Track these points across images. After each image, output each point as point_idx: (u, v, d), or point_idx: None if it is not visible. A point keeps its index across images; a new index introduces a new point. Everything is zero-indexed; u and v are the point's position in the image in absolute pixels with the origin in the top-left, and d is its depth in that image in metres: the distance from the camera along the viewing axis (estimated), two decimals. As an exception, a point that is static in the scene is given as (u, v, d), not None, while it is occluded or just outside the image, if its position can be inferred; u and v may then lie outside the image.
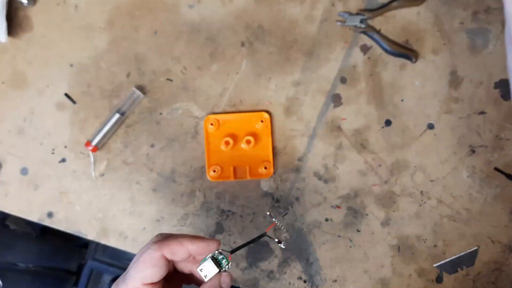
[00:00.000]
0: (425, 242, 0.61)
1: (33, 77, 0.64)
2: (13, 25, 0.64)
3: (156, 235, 0.40)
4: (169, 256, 0.38)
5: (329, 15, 0.63)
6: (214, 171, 0.60)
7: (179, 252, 0.38)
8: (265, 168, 0.61)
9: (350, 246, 0.62)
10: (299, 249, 0.62)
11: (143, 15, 0.64)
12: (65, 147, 0.64)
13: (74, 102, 0.64)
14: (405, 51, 0.61)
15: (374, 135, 0.62)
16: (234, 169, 0.61)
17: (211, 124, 0.60)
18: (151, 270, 0.37)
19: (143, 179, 0.63)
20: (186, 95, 0.63)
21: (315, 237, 0.62)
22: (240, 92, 0.63)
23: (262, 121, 0.61)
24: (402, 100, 0.62)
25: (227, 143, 0.60)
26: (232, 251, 0.39)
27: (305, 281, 0.62)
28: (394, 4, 0.61)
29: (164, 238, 0.39)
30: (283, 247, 0.43)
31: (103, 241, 0.63)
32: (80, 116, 0.64)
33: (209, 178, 0.61)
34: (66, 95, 0.64)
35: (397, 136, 0.62)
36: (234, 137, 0.61)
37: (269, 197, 0.62)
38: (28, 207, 0.63)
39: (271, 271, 0.62)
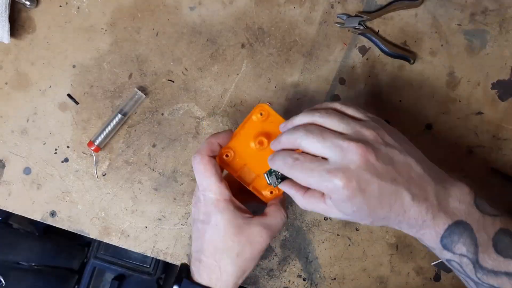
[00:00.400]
0: (423, 241, 0.62)
1: (36, 78, 0.65)
2: (16, 26, 0.65)
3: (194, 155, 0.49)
4: (211, 154, 0.48)
5: (328, 17, 0.63)
6: (227, 155, 0.50)
7: (215, 148, 0.49)
8: (271, 193, 0.51)
9: (349, 245, 0.63)
10: (299, 248, 0.63)
11: (145, 16, 0.64)
12: (68, 147, 0.64)
13: (76, 102, 0.65)
14: (403, 53, 0.62)
15: (373, 135, 0.63)
16: (243, 167, 0.51)
17: (261, 114, 0.50)
18: (212, 170, 0.47)
19: (145, 178, 0.64)
20: (187, 95, 0.64)
21: (314, 236, 0.63)
22: (240, 92, 0.64)
23: None
24: (400, 101, 0.63)
25: (261, 143, 0.50)
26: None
27: (304, 279, 0.63)
28: (392, 6, 0.62)
29: (199, 148, 0.49)
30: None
31: (105, 240, 0.64)
32: (82, 117, 0.64)
33: (216, 159, 0.50)
34: (69, 95, 0.64)
35: (395, 136, 0.63)
36: (268, 138, 0.50)
37: (269, 196, 0.63)
38: (31, 206, 0.64)
39: (271, 269, 0.63)
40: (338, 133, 0.42)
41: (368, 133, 0.42)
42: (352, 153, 0.40)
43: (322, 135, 0.42)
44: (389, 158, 0.41)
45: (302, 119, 0.45)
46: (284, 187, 0.48)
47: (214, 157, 0.48)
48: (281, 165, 0.45)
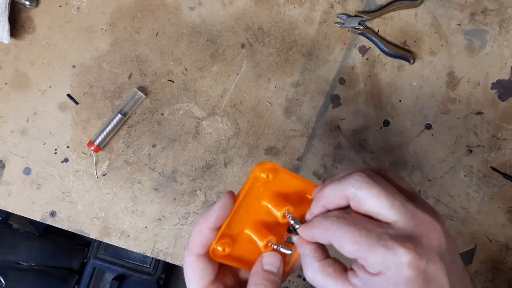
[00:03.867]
0: (423, 240, 0.62)
1: (36, 78, 0.65)
2: (16, 26, 0.65)
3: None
4: (201, 251, 0.34)
5: (328, 17, 0.63)
6: (224, 249, 0.35)
7: (206, 239, 0.34)
8: None
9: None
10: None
11: (145, 17, 0.64)
12: (68, 147, 0.64)
13: (76, 102, 0.65)
14: (403, 52, 0.62)
15: (373, 135, 0.63)
16: (248, 249, 0.36)
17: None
18: (198, 275, 0.34)
19: (145, 178, 0.64)
20: (187, 95, 0.64)
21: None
22: (240, 92, 0.64)
23: None
24: (400, 101, 0.63)
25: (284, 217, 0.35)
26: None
27: (304, 279, 0.63)
28: (392, 6, 0.62)
29: (189, 240, 0.35)
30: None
31: (105, 240, 0.64)
32: (82, 117, 0.64)
33: (210, 253, 0.35)
34: (69, 95, 0.64)
35: (395, 136, 0.63)
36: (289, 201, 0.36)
37: (269, 196, 0.63)
38: (31, 207, 0.64)
39: (271, 269, 0.63)
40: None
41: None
42: (426, 226, 0.30)
43: (391, 189, 0.31)
44: (455, 250, 0.32)
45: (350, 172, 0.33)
46: (302, 242, 0.34)
47: (208, 250, 0.34)
48: (318, 220, 0.32)
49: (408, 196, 0.32)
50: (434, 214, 0.31)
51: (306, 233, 0.33)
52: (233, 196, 0.34)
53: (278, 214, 0.35)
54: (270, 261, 0.34)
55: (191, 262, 0.34)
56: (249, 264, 0.36)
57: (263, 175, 0.34)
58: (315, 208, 0.34)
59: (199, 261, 0.34)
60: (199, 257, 0.34)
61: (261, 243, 0.35)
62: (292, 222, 0.34)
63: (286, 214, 0.34)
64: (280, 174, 0.35)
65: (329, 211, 0.33)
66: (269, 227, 0.36)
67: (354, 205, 0.31)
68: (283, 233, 0.37)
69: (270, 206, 0.35)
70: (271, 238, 0.35)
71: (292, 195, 0.36)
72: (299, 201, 0.36)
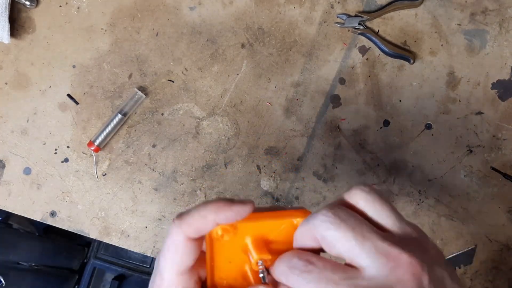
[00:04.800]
0: (423, 240, 0.62)
1: (36, 78, 0.65)
2: (16, 26, 0.65)
3: (178, 214, 0.31)
4: (195, 235, 0.30)
5: (328, 17, 0.63)
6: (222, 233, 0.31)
7: (204, 228, 0.30)
8: None
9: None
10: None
11: (145, 17, 0.64)
12: (68, 147, 0.64)
13: (76, 102, 0.65)
14: (403, 52, 0.62)
15: (373, 135, 0.63)
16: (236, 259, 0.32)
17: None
18: (180, 257, 0.30)
19: (145, 178, 0.64)
20: (187, 95, 0.64)
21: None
22: (240, 93, 0.64)
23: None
24: (400, 101, 0.63)
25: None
26: None
27: None
28: (392, 6, 0.62)
29: (185, 214, 0.30)
30: None
31: (105, 240, 0.64)
32: (82, 117, 0.64)
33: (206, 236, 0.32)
34: (69, 95, 0.65)
35: (395, 136, 0.63)
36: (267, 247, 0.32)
37: (269, 196, 0.63)
38: (31, 207, 0.64)
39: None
40: (381, 230, 0.28)
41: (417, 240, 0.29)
42: (403, 270, 0.26)
43: (361, 228, 0.27)
44: (442, 283, 0.28)
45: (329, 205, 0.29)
46: None
47: (198, 239, 0.30)
48: (284, 271, 0.28)
49: (384, 228, 0.28)
50: (416, 245, 0.28)
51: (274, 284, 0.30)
52: (253, 207, 0.30)
53: (252, 260, 0.31)
54: None
55: (177, 242, 0.30)
56: (226, 269, 0.32)
57: (219, 233, 0.30)
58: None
59: (187, 243, 0.30)
60: (189, 239, 0.30)
61: (253, 256, 0.31)
62: (261, 275, 0.31)
63: (258, 264, 0.31)
64: (245, 225, 0.31)
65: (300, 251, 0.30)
66: (271, 244, 0.32)
67: (325, 247, 0.28)
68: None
69: (250, 247, 0.32)
70: (265, 257, 0.31)
71: (280, 234, 0.32)
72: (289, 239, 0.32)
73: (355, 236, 0.26)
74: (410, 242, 0.28)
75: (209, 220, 0.29)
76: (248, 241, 0.31)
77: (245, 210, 0.30)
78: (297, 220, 0.31)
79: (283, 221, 0.31)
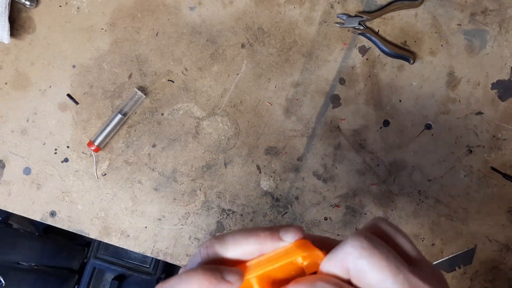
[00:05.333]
0: (422, 240, 0.62)
1: (36, 78, 0.65)
2: (16, 26, 0.65)
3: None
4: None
5: (328, 17, 0.63)
6: None
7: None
8: None
9: (349, 245, 0.63)
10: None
11: (145, 17, 0.64)
12: (68, 147, 0.64)
13: (76, 102, 0.65)
14: (403, 52, 0.62)
15: (373, 135, 0.63)
16: None
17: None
18: None
19: (145, 178, 0.64)
20: (187, 95, 0.64)
21: (314, 236, 0.63)
22: (240, 93, 0.64)
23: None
24: (400, 101, 0.63)
25: None
26: None
27: None
28: (392, 6, 0.62)
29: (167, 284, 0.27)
30: None
31: (105, 240, 0.64)
32: (82, 117, 0.64)
33: None
34: (69, 95, 0.65)
35: (395, 136, 0.63)
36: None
37: (269, 196, 0.63)
38: (31, 207, 0.64)
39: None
40: (405, 259, 0.27)
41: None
42: None
43: (394, 258, 0.26)
44: None
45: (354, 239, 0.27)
46: None
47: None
48: None
49: (411, 260, 0.28)
50: (437, 280, 0.28)
51: None
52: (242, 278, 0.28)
53: None
54: None
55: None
56: None
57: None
58: None
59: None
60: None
61: None
62: None
63: None
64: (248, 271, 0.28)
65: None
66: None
67: (354, 277, 0.27)
68: None
69: None
70: None
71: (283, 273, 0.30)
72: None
73: (389, 266, 0.25)
74: (431, 274, 0.27)
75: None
76: (253, 282, 0.29)
77: (267, 243, 0.28)
78: (299, 259, 0.28)
79: (285, 262, 0.29)
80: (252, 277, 0.29)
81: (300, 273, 0.29)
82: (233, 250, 0.28)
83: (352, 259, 0.26)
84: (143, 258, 1.02)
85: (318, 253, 0.28)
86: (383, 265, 0.25)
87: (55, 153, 0.64)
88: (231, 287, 0.27)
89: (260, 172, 0.63)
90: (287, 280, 0.29)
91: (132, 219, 0.64)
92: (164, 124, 0.64)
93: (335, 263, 0.27)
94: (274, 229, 0.28)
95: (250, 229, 0.28)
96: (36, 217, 0.64)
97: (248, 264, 0.29)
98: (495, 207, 0.62)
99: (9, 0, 0.62)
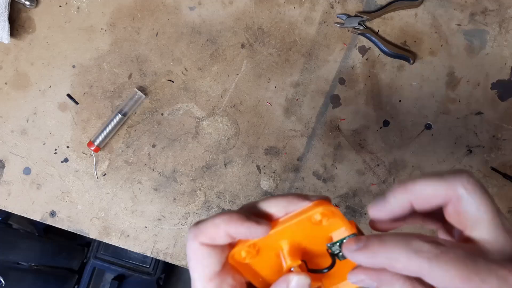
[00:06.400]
0: (422, 241, 0.62)
1: (36, 78, 0.65)
2: (16, 26, 0.65)
3: (195, 222, 0.31)
4: (209, 242, 0.29)
5: (328, 17, 0.63)
6: (245, 258, 0.30)
7: (218, 237, 0.29)
8: None
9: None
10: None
11: (145, 17, 0.64)
12: (68, 147, 0.64)
13: (76, 102, 0.65)
14: (403, 53, 0.62)
15: (373, 135, 0.63)
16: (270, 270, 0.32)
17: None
18: (201, 264, 0.30)
19: (145, 178, 0.64)
20: (187, 95, 0.64)
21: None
22: (240, 92, 0.64)
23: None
24: (400, 101, 0.63)
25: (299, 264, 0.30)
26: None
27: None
28: (392, 6, 0.62)
29: (201, 221, 0.30)
30: None
31: (105, 240, 0.64)
32: (82, 117, 0.64)
33: (233, 255, 0.30)
34: (69, 95, 0.65)
35: (395, 136, 0.63)
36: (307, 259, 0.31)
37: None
38: (31, 207, 0.64)
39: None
40: None
41: None
42: None
43: (494, 203, 0.27)
44: None
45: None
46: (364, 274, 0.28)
47: (214, 245, 0.30)
48: (410, 260, 0.25)
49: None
50: None
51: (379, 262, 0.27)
52: (269, 229, 0.29)
53: (285, 265, 0.30)
54: (298, 284, 0.29)
55: (194, 249, 0.30)
56: (262, 281, 0.32)
57: (242, 255, 0.30)
58: (395, 201, 0.29)
59: (203, 248, 0.30)
60: (206, 245, 0.30)
61: (286, 263, 0.30)
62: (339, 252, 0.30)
63: (291, 270, 0.30)
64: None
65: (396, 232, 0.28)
66: (306, 254, 0.31)
67: (450, 210, 0.27)
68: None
69: (282, 254, 0.31)
70: (301, 264, 0.30)
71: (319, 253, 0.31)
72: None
73: (493, 209, 0.26)
74: None
75: (220, 229, 0.29)
76: (283, 245, 0.31)
77: (257, 231, 0.29)
78: (317, 216, 0.29)
79: (303, 218, 0.30)
80: (282, 240, 0.30)
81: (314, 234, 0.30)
82: (265, 209, 0.30)
83: (462, 190, 0.26)
84: (143, 258, 1.02)
85: (335, 210, 0.28)
86: (490, 206, 0.26)
87: (55, 153, 0.64)
88: (260, 229, 0.28)
89: (260, 172, 0.63)
90: (319, 256, 0.31)
91: (132, 219, 0.64)
92: (164, 124, 0.64)
93: (437, 188, 0.27)
94: (303, 194, 0.30)
95: (281, 195, 0.31)
96: (36, 217, 0.64)
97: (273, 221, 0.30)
98: (495, 207, 0.62)
99: (9, 0, 0.62)
